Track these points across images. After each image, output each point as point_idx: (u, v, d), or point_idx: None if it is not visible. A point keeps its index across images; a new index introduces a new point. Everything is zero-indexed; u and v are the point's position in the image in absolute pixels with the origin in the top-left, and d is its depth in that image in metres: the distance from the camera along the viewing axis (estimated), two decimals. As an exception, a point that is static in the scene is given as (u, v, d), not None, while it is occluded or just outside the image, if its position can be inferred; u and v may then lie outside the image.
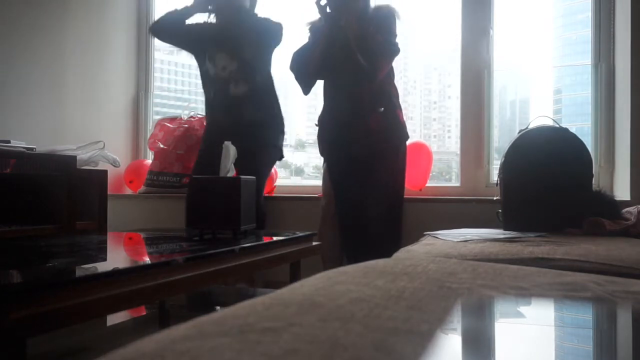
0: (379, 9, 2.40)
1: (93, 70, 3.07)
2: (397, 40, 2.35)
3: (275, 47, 2.65)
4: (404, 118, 2.44)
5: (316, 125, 2.52)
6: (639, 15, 2.28)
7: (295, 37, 2.58)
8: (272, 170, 2.77)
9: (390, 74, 2.41)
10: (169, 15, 2.66)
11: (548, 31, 2.96)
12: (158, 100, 3.53)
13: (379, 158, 2.34)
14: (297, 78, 2.47)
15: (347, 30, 2.31)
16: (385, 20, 2.34)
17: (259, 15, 2.67)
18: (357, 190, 2.33)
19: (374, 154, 2.33)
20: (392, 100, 2.39)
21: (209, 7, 2.64)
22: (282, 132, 2.66)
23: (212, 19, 2.67)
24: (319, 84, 2.52)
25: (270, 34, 2.62)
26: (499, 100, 2.82)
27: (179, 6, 2.65)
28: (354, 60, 2.29)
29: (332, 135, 2.44)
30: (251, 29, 2.60)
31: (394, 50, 2.34)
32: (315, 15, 2.42)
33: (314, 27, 2.47)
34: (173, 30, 2.67)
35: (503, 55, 2.73)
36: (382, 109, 2.34)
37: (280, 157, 2.67)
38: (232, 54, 2.60)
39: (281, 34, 2.61)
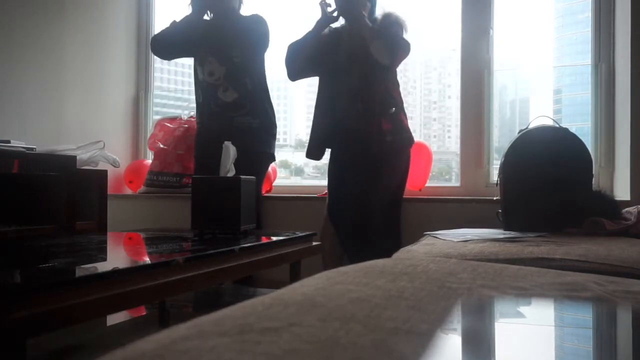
0: (387, 16, 2.37)
1: (93, 70, 3.07)
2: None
3: (265, 47, 2.56)
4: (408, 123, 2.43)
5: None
6: (639, 15, 2.28)
7: (294, 36, 2.51)
8: (270, 169, 2.76)
9: (395, 80, 2.40)
10: (166, 31, 2.56)
11: (548, 31, 2.95)
12: (158, 100, 3.53)
13: (383, 160, 2.33)
14: (286, 61, 2.43)
15: (360, 28, 2.28)
16: (393, 27, 2.32)
17: (244, 14, 2.59)
18: (357, 191, 2.32)
19: (379, 156, 2.32)
20: (399, 105, 2.38)
21: (207, 12, 2.56)
22: (274, 137, 2.61)
23: (206, 18, 2.58)
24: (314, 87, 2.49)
25: (258, 33, 2.53)
26: (499, 100, 2.82)
27: (178, 18, 2.56)
28: (366, 56, 2.27)
29: (336, 137, 2.42)
30: (238, 30, 2.52)
31: (407, 45, 2.31)
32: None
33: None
34: (171, 45, 2.58)
35: (503, 55, 2.73)
36: (393, 109, 2.33)
37: (272, 160, 2.65)
38: (220, 58, 2.52)
39: (268, 32, 2.53)
